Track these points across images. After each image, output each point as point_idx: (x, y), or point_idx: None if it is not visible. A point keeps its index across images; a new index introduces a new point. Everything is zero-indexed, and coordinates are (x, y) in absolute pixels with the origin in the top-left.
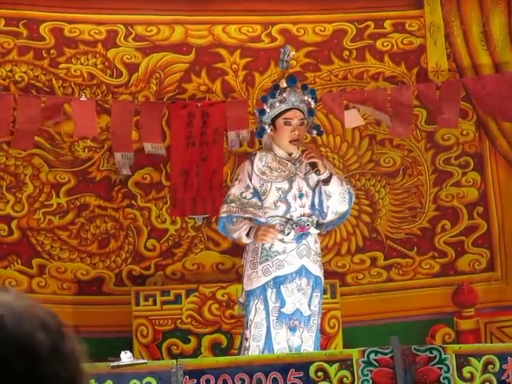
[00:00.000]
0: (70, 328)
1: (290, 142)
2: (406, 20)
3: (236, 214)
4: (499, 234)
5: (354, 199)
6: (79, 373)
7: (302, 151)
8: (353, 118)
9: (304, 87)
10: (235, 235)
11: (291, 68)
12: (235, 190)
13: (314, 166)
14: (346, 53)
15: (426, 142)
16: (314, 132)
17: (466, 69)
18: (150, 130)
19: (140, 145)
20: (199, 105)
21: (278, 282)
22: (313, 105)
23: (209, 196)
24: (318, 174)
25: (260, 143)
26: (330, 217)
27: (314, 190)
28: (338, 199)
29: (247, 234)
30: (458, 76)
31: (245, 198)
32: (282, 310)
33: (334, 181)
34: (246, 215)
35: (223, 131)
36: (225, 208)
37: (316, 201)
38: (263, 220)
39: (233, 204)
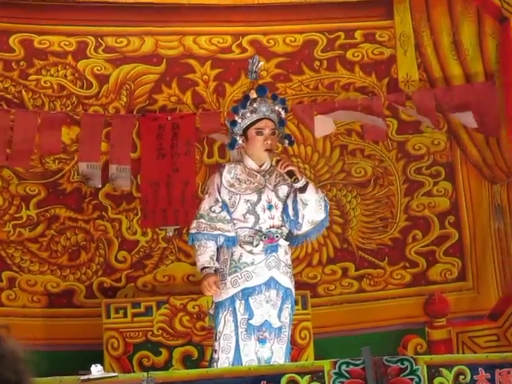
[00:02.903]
0: (4, 331)
1: (265, 150)
2: (377, 30)
3: (204, 232)
4: (470, 244)
5: (329, 207)
6: (24, 373)
7: (277, 161)
8: (323, 126)
9: (274, 97)
10: (196, 259)
11: (262, 79)
12: (205, 204)
13: (291, 174)
14: (317, 63)
15: (397, 151)
16: (286, 142)
17: (437, 79)
18: (119, 149)
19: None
20: (170, 118)
21: (246, 293)
22: (283, 115)
23: (181, 208)
24: (297, 182)
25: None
26: (305, 227)
27: (285, 202)
28: (314, 207)
29: (201, 270)
30: (428, 86)
31: (214, 212)
32: (251, 321)
33: (310, 188)
34: (215, 232)
35: (194, 143)
36: (194, 224)
37: (291, 211)
38: (232, 235)
39: (202, 220)
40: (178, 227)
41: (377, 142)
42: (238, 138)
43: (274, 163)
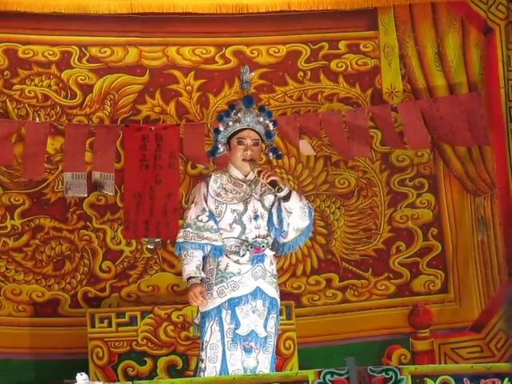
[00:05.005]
0: None
1: (243, 160)
2: (361, 41)
3: (192, 241)
4: (453, 256)
5: (313, 213)
6: None
7: (259, 172)
8: (305, 148)
9: (261, 109)
10: (182, 269)
11: None
12: (191, 213)
13: (274, 184)
14: (301, 74)
15: (380, 163)
16: (271, 155)
17: (421, 90)
18: (103, 157)
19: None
20: (153, 128)
21: (232, 303)
22: (271, 127)
23: (163, 219)
24: (280, 192)
25: (214, 162)
26: (291, 235)
27: (270, 211)
28: (299, 214)
29: (187, 280)
30: (412, 97)
31: (201, 221)
32: (237, 331)
33: (294, 196)
34: (202, 241)
35: (178, 155)
36: (181, 233)
37: (275, 220)
38: (220, 244)
39: (189, 229)
40: (159, 239)
41: None
42: (219, 146)
43: (255, 174)
